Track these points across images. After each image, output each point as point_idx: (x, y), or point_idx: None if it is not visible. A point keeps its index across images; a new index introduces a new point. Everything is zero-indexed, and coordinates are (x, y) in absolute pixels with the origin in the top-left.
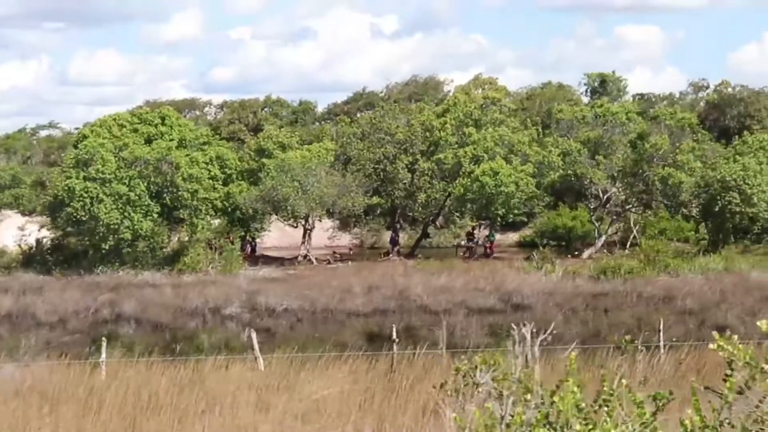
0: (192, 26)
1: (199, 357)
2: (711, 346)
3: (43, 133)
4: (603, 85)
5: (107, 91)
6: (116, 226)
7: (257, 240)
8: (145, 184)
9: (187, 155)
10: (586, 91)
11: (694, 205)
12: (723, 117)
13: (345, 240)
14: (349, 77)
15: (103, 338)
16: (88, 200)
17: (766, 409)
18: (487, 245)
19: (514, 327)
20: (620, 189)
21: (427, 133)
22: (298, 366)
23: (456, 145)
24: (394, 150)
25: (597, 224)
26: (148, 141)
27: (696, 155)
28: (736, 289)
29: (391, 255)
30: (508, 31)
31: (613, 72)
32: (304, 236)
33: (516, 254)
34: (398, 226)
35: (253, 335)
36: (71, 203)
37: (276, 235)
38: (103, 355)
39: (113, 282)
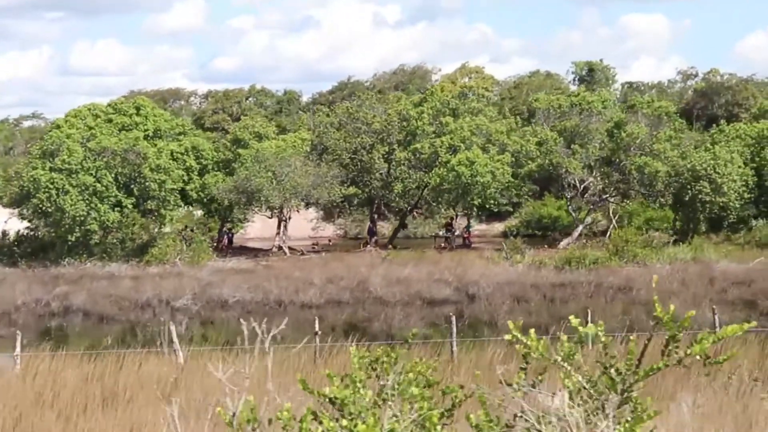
0: (194, 16)
1: (121, 350)
2: (506, 337)
3: (27, 123)
4: (591, 74)
5: (108, 81)
6: (82, 218)
7: (240, 231)
8: (113, 174)
9: (154, 145)
10: (574, 80)
11: (669, 194)
12: (711, 105)
13: (329, 230)
14: (352, 67)
15: (18, 332)
16: (53, 191)
17: (558, 403)
18: (465, 235)
19: (243, 321)
20: (597, 178)
21: (404, 123)
22: (217, 359)
23: (433, 135)
24: (371, 140)
25: (574, 214)
26: (123, 131)
27: (673, 144)
28: (694, 279)
29: (369, 245)
30: (512, 20)
31: (601, 60)
32: (279, 227)
33: (498, 244)
34: (376, 216)
35: (172, 328)
36: (37, 194)
37: (260, 226)
38: (18, 349)
39: (77, 274)
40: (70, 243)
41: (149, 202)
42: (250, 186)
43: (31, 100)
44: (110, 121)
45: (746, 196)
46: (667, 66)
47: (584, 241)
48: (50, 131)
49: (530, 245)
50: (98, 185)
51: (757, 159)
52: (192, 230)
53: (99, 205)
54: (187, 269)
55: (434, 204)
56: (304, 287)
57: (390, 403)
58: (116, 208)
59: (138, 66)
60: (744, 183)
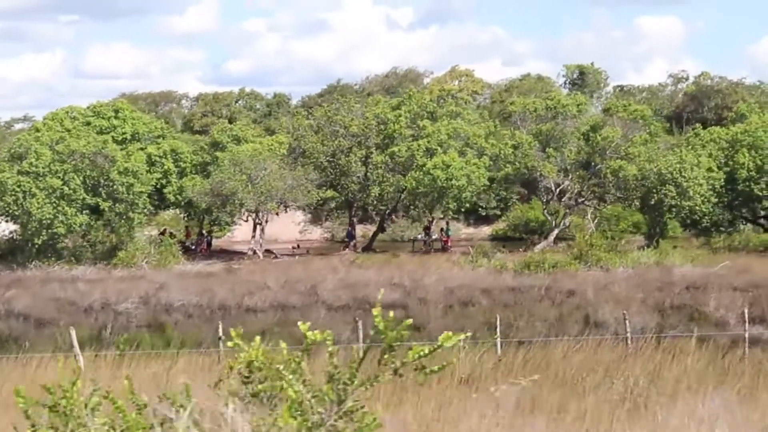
0: (207, 18)
1: (28, 355)
2: (229, 344)
3: (18, 126)
4: (582, 77)
5: (121, 84)
6: (49, 221)
7: (228, 233)
8: (81, 178)
9: (122, 149)
10: (565, 83)
11: (636, 198)
12: (701, 109)
13: (317, 233)
14: (364, 70)
15: None
16: (20, 194)
17: (230, 413)
18: (444, 239)
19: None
20: (574, 182)
21: (382, 126)
22: (120, 364)
23: (411, 138)
24: (349, 143)
25: (550, 217)
26: (101, 134)
27: (648, 148)
28: (645, 284)
29: (347, 248)
30: (525, 23)
31: (592, 63)
32: (254, 230)
33: (481, 247)
34: (356, 219)
35: (73, 333)
36: (3, 197)
37: (246, 229)
38: None
39: (40, 277)
40: (38, 246)
41: (117, 205)
42: (224, 189)
43: (44, 102)
44: (88, 124)
45: (713, 200)
46: (681, 68)
47: (563, 244)
48: (19, 135)
49: (511, 249)
50: (66, 188)
51: (730, 163)
52: (171, 234)
53: (66, 208)
54: (150, 273)
55: (412, 207)
56: (255, 291)
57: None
58: (85, 211)
59: (151, 68)
60: (711, 187)
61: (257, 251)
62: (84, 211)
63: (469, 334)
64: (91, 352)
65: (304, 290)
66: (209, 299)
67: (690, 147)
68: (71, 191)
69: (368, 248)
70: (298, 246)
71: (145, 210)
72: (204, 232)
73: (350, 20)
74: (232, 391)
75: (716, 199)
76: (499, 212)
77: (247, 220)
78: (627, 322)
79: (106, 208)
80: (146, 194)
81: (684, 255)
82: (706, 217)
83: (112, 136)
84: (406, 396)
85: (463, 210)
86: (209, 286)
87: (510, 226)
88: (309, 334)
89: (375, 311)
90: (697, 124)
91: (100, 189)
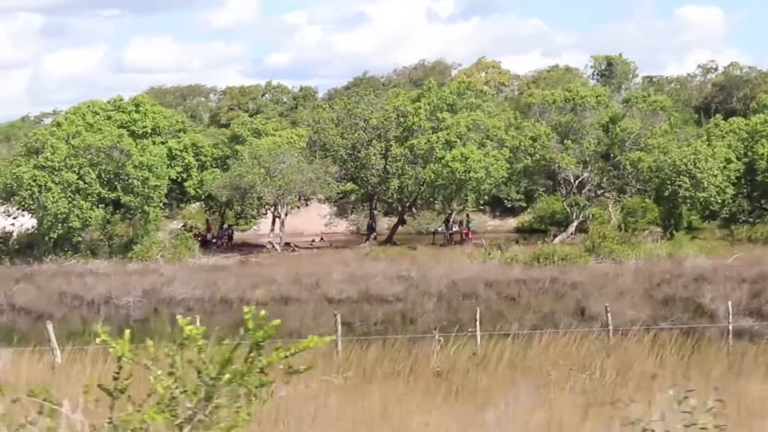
0: (248, 12)
1: (13, 348)
2: (97, 341)
3: (47, 120)
4: (609, 68)
5: (163, 78)
6: (64, 215)
7: (253, 227)
8: (97, 172)
9: (142, 143)
10: (593, 75)
11: (651, 189)
12: (729, 99)
13: (342, 226)
14: (404, 62)
15: None
16: (36, 189)
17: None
18: (464, 231)
19: None
20: (593, 173)
21: (402, 119)
22: (99, 359)
23: (430, 131)
24: (368, 136)
25: (570, 209)
26: (121, 128)
27: (668, 139)
28: (650, 276)
29: (368, 241)
30: (566, 14)
31: (620, 54)
32: (273, 223)
33: (505, 240)
34: (377, 212)
35: (50, 327)
36: (20, 192)
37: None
38: None
39: (52, 271)
40: (54, 240)
41: (132, 199)
42: (242, 182)
43: (86, 98)
44: (109, 118)
45: (729, 191)
46: (722, 59)
47: (582, 236)
48: (35, 129)
49: (533, 241)
50: (81, 183)
51: (750, 153)
52: (191, 228)
53: (81, 202)
54: (163, 266)
55: (432, 200)
56: (261, 284)
57: None
58: (101, 205)
59: (192, 62)
60: (727, 177)
61: (275, 244)
62: (101, 205)
63: (333, 336)
64: (77, 346)
65: (309, 283)
66: (212, 293)
67: (708, 138)
68: (87, 185)
69: (388, 241)
70: (322, 238)
71: (161, 204)
72: (225, 225)
73: (390, 12)
74: (104, 388)
75: (734, 190)
76: (524, 204)
77: (266, 214)
78: (608, 314)
79: (127, 202)
80: (162, 188)
81: (699, 246)
82: (725, 209)
83: (133, 130)
84: (374, 387)
85: (482, 202)
86: (216, 280)
87: (535, 218)
88: (187, 328)
89: (246, 309)
90: (717, 115)
91: (116, 183)
